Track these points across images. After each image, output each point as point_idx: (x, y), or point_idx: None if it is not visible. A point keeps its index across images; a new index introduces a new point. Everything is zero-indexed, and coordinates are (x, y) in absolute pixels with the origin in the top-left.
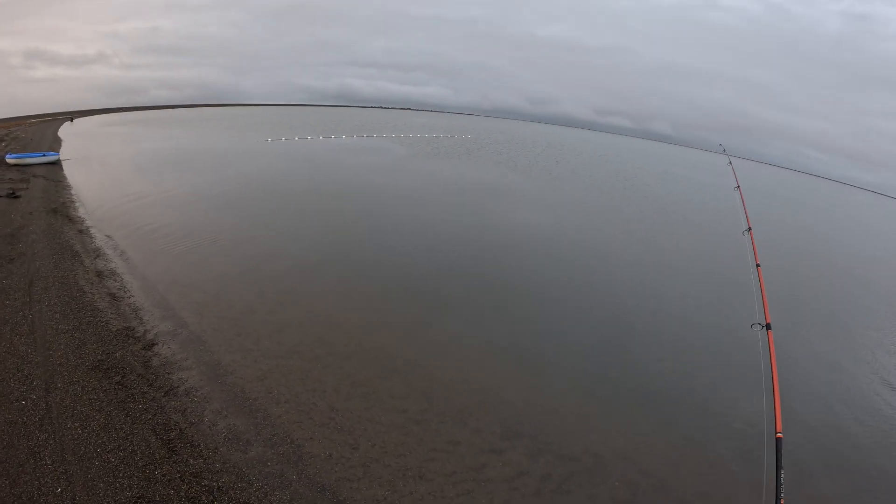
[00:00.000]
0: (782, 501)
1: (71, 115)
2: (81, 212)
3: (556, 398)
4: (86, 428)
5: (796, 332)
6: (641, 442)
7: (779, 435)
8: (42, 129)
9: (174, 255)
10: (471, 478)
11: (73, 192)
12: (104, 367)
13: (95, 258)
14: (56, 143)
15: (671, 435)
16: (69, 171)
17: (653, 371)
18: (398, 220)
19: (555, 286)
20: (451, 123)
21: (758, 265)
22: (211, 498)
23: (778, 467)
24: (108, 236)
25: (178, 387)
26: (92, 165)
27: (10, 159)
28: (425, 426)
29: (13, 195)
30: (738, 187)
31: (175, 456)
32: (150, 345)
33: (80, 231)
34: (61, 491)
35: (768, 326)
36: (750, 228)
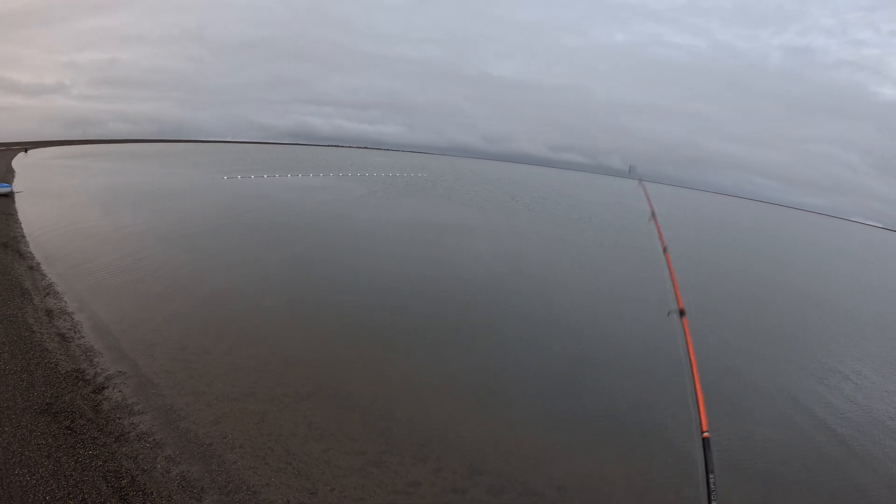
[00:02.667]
0: None
1: (25, 146)
2: (33, 247)
3: (517, 431)
4: (34, 475)
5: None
6: (604, 471)
7: (706, 434)
8: None
9: (127, 294)
10: None
11: (24, 226)
12: (53, 410)
13: (45, 296)
14: (9, 175)
15: (627, 458)
16: (21, 204)
17: (607, 397)
18: (354, 258)
19: (509, 318)
20: (407, 162)
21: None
22: None
23: (707, 471)
24: (60, 273)
25: (129, 432)
26: (45, 199)
27: None
28: (385, 468)
29: None
30: (654, 214)
31: None
32: (101, 388)
33: (31, 267)
34: None
35: (682, 312)
36: (665, 248)
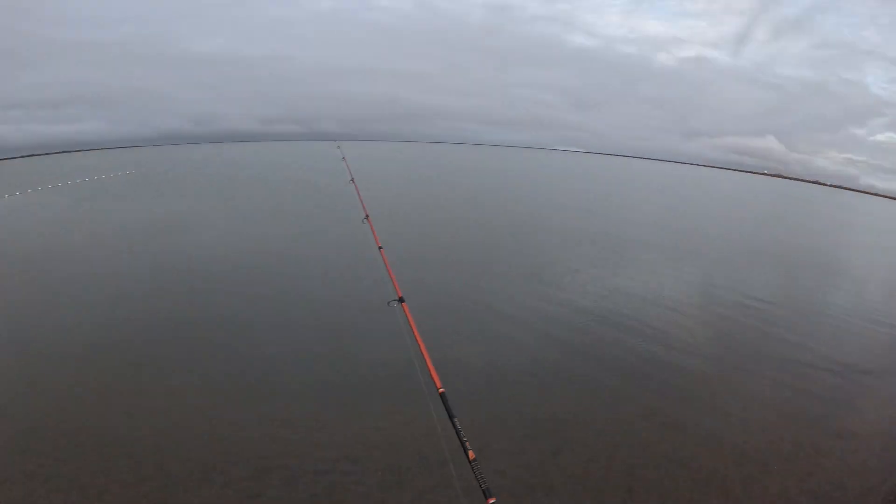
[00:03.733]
0: (467, 444)
1: None
2: None
3: (287, 418)
4: None
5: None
6: (379, 431)
7: (441, 390)
8: None
9: None
10: None
11: None
12: None
13: None
14: None
15: (386, 418)
16: None
17: (350, 366)
18: (65, 282)
19: (252, 307)
20: (113, 160)
21: (380, 247)
22: None
23: (451, 416)
24: None
25: None
26: None
27: None
28: (172, 502)
29: None
30: (353, 180)
31: None
32: None
33: None
34: None
35: (402, 300)
36: (367, 216)
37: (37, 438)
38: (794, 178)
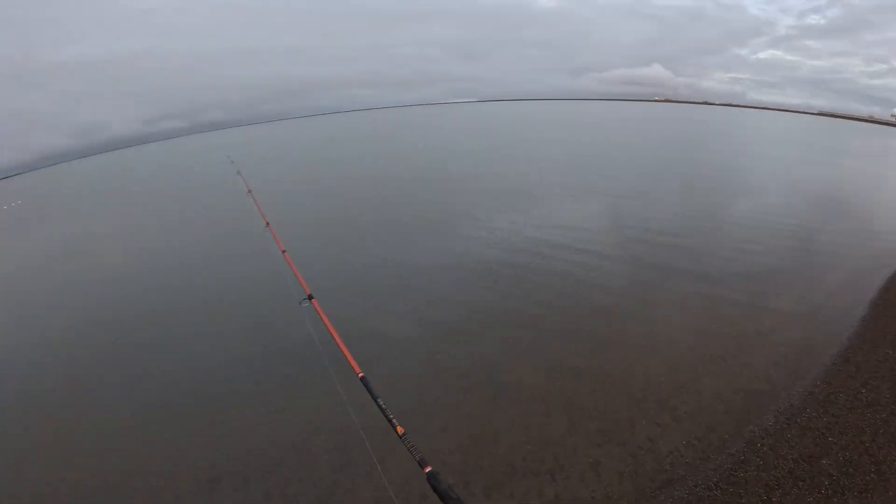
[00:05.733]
0: (394, 420)
1: None
2: None
3: (223, 423)
4: None
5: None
6: (303, 420)
7: (361, 375)
8: None
9: None
10: None
11: None
12: None
13: None
14: None
15: (311, 409)
16: None
17: (249, 361)
18: None
19: (147, 323)
20: None
21: (284, 251)
22: None
23: (374, 397)
24: None
25: None
26: None
27: None
28: None
29: None
30: (251, 191)
31: None
32: None
33: None
34: None
35: (311, 297)
36: (268, 224)
37: None
38: (684, 102)
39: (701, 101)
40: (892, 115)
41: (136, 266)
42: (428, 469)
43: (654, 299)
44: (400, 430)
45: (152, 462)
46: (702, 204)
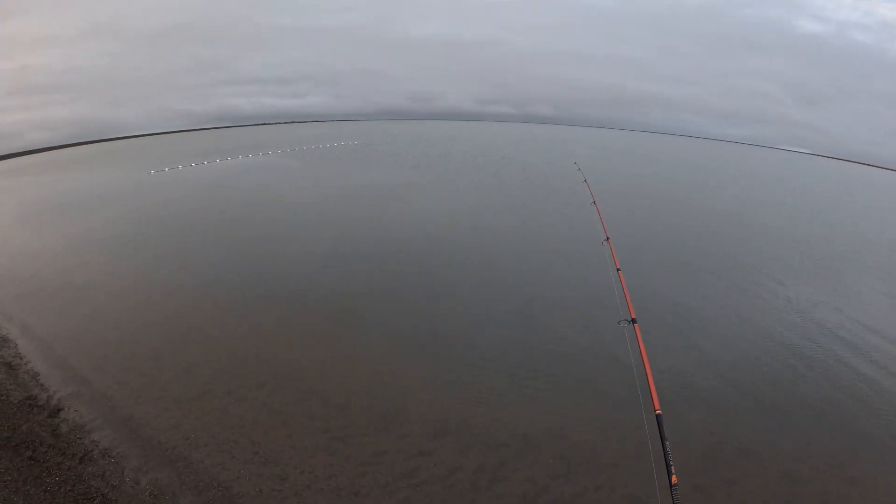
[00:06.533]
0: (672, 468)
1: None
2: None
3: (474, 389)
4: None
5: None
6: (563, 419)
7: (658, 412)
8: None
9: (69, 310)
10: (405, 484)
11: None
12: (12, 443)
13: None
14: None
15: (581, 409)
16: None
17: (555, 348)
18: (294, 236)
19: (454, 278)
20: (337, 131)
21: (618, 269)
22: None
23: (663, 439)
24: None
25: (92, 450)
26: None
27: None
28: (350, 442)
29: None
30: (595, 202)
31: None
32: (56, 411)
33: None
34: None
35: (634, 321)
36: (608, 238)
37: (240, 364)
38: None
39: None
40: None
41: (454, 226)
42: None
43: None
44: (675, 479)
45: (396, 392)
46: None
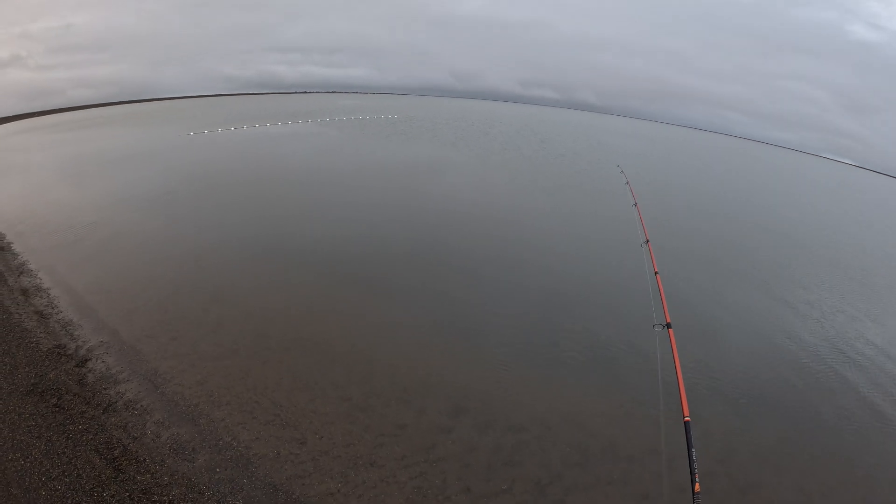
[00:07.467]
0: (697, 475)
1: None
2: (1, 227)
3: (497, 371)
4: (28, 457)
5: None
6: (583, 406)
7: (686, 419)
8: None
9: (102, 263)
10: (422, 459)
11: None
12: (39, 390)
13: (19, 275)
14: None
15: (604, 403)
16: None
17: (581, 335)
18: (331, 206)
19: (485, 259)
20: (378, 104)
21: (656, 272)
22: None
23: (689, 446)
24: (32, 250)
25: (116, 402)
26: (9, 176)
27: None
28: (370, 412)
29: None
30: (636, 204)
31: (121, 475)
32: (84, 361)
33: (1, 248)
34: None
35: (669, 325)
36: (648, 241)
37: (267, 327)
38: None
39: None
40: None
41: (492, 206)
42: None
43: None
44: (698, 487)
45: (419, 367)
46: None
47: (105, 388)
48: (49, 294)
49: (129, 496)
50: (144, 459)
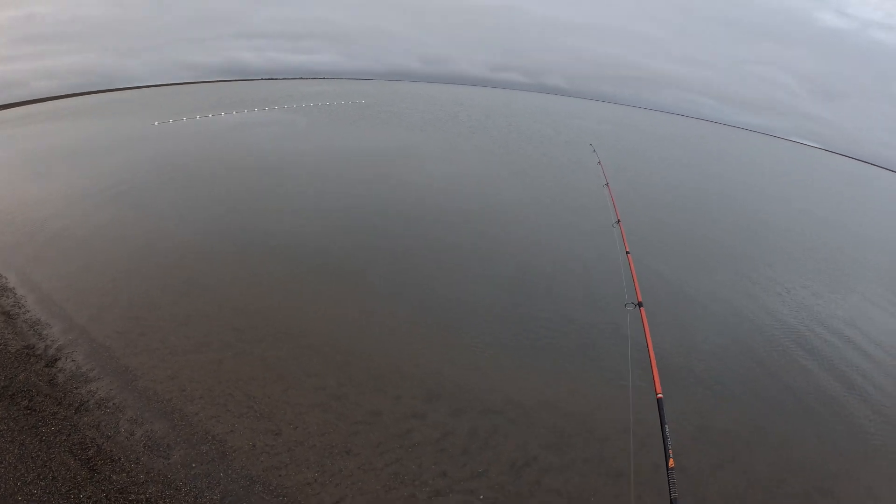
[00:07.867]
0: (670, 451)
1: None
2: None
3: (471, 356)
4: (1, 462)
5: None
6: (558, 390)
7: (659, 396)
8: None
9: (68, 260)
10: (397, 445)
11: None
12: (9, 393)
13: None
14: None
15: (578, 383)
16: None
17: (553, 325)
18: (300, 196)
19: (459, 246)
20: (345, 89)
21: (628, 252)
22: None
23: (662, 423)
24: None
25: (88, 401)
26: None
27: None
28: (345, 400)
29: None
30: (607, 184)
31: (97, 475)
32: (53, 360)
33: None
34: None
35: (640, 304)
36: (619, 220)
37: (239, 318)
38: None
39: None
40: None
41: (463, 193)
42: None
43: None
44: (672, 462)
45: (395, 354)
46: None
47: (76, 388)
48: (15, 294)
49: (106, 496)
50: (119, 458)
